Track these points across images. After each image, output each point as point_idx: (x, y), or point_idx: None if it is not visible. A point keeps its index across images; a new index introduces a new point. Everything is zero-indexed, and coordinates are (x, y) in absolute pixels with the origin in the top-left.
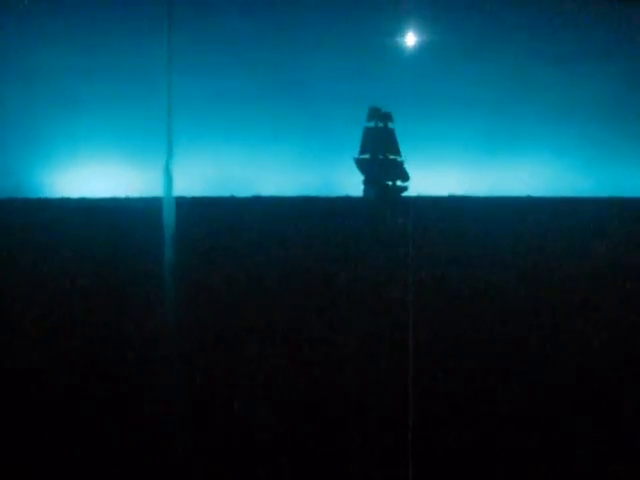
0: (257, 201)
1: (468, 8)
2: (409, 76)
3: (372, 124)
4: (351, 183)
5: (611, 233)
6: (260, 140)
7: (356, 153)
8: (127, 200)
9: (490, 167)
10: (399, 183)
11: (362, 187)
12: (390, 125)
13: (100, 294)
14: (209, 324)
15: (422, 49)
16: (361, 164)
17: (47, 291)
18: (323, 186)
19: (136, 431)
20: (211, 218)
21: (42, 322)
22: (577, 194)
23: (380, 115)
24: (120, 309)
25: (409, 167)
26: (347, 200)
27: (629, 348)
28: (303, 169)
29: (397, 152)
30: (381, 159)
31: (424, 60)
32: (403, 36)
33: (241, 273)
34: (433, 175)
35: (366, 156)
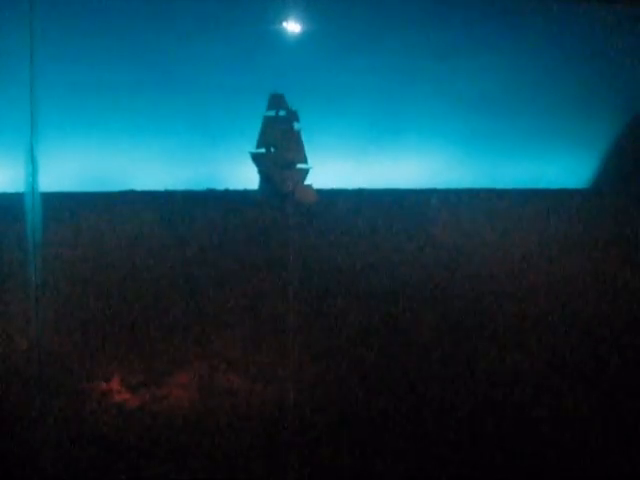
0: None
1: None
2: (294, 65)
3: (272, 113)
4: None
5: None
6: (135, 132)
7: (243, 144)
8: None
9: (377, 159)
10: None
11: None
12: (296, 126)
13: None
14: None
15: (307, 37)
16: (258, 159)
17: None
18: (204, 181)
19: None
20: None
21: None
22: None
23: (283, 104)
24: None
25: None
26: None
27: None
28: (183, 163)
29: (303, 159)
30: (284, 162)
31: (309, 48)
32: (287, 23)
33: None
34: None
35: (263, 150)
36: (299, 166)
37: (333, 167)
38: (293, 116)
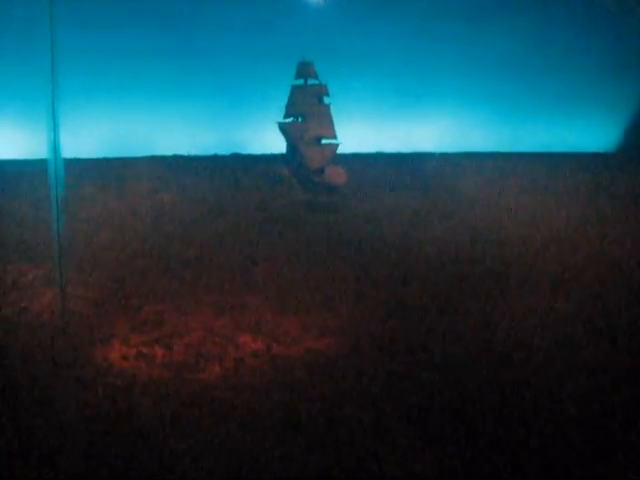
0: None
1: None
2: (317, 29)
3: (301, 82)
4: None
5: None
6: (160, 98)
7: (273, 113)
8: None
9: (399, 123)
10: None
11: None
12: (326, 100)
13: None
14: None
15: (330, 3)
16: (286, 130)
17: None
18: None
19: None
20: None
21: None
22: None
23: (312, 72)
24: None
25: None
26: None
27: None
28: (208, 128)
29: (333, 134)
30: (313, 136)
31: (332, 14)
32: None
33: None
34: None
35: (290, 120)
36: (328, 141)
37: (355, 130)
38: (323, 90)
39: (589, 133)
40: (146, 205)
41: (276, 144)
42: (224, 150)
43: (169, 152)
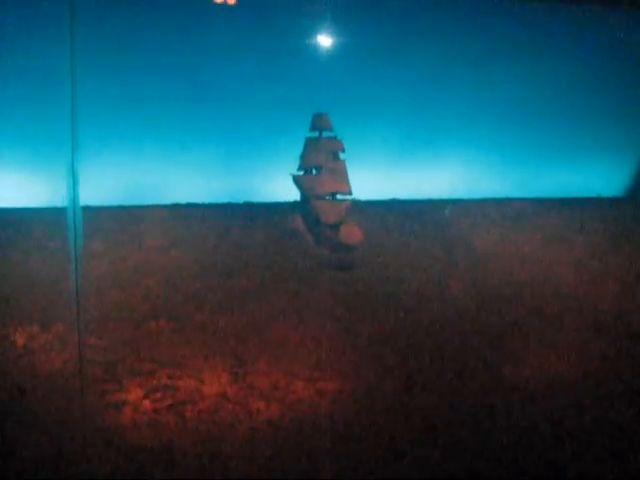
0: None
1: (384, 9)
2: (326, 78)
3: (316, 134)
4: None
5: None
6: (175, 146)
7: (286, 162)
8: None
9: (410, 170)
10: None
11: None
12: (342, 156)
13: None
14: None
15: (338, 50)
16: (300, 183)
17: None
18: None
19: None
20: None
21: None
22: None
23: (327, 123)
24: None
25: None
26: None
27: None
28: (222, 176)
29: (348, 190)
30: (326, 191)
31: (341, 61)
32: (317, 36)
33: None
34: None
35: (304, 172)
36: (343, 197)
37: (368, 177)
38: (338, 146)
39: (597, 177)
40: (158, 261)
41: (289, 193)
42: (237, 198)
43: (183, 200)
